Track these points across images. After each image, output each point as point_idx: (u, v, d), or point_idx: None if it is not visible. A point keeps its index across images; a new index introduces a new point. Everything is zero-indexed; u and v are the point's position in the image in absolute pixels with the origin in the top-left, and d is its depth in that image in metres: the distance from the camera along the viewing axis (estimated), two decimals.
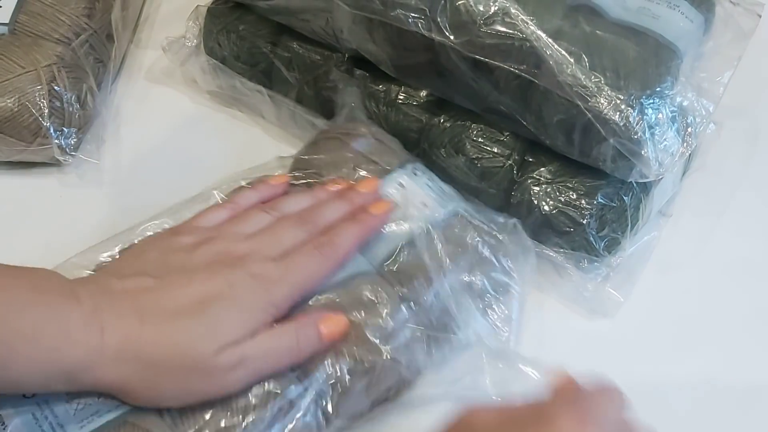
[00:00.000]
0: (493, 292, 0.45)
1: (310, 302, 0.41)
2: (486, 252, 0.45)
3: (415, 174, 0.48)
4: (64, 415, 0.38)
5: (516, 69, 0.44)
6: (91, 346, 0.35)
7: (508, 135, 0.49)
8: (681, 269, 0.52)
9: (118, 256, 0.43)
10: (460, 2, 0.44)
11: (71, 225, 0.54)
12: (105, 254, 0.44)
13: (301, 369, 0.39)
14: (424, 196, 0.46)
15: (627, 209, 0.47)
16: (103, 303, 0.36)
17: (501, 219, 0.47)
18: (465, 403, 0.31)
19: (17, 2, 0.57)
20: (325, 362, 0.39)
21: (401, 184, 0.46)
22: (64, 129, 0.55)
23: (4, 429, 0.37)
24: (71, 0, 0.58)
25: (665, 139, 0.44)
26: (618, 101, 0.43)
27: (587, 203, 0.47)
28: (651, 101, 0.43)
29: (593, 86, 0.43)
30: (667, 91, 0.44)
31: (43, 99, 0.53)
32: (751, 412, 0.47)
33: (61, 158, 0.55)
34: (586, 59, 0.43)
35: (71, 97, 0.55)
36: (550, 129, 0.46)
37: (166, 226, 0.45)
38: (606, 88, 0.43)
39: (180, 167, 0.57)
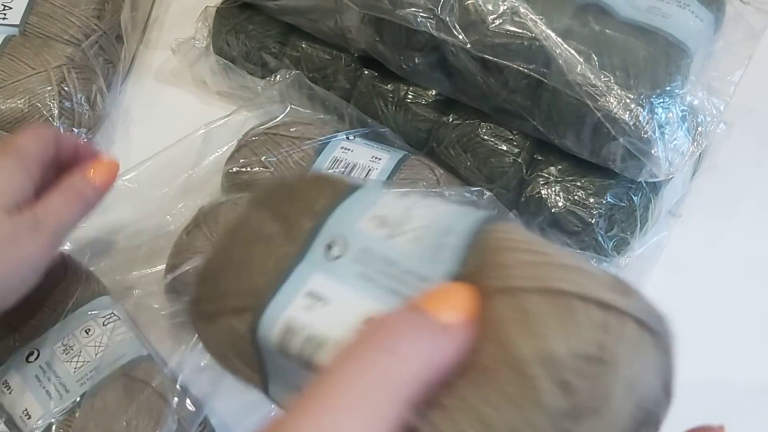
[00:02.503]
0: None
1: None
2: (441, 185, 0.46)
3: (350, 138, 0.50)
4: (65, 375, 0.40)
5: (525, 68, 0.44)
6: None
7: (517, 134, 0.49)
8: (690, 270, 0.52)
9: None
10: (469, 1, 0.44)
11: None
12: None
13: None
14: (373, 151, 0.48)
15: (636, 209, 0.47)
16: None
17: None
18: None
19: (27, 4, 0.58)
20: None
21: (345, 148, 0.49)
22: (74, 130, 0.55)
23: (10, 392, 0.39)
24: (81, 1, 0.59)
25: (675, 139, 0.44)
26: (628, 100, 0.43)
27: (596, 202, 0.47)
28: (661, 100, 0.43)
29: (603, 85, 0.43)
30: (677, 91, 0.44)
31: (53, 100, 0.54)
32: (763, 413, 0.46)
33: None
34: (595, 58, 0.43)
35: (81, 98, 0.55)
36: (560, 128, 0.46)
37: None
38: (616, 87, 0.43)
39: None
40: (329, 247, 0.26)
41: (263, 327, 0.25)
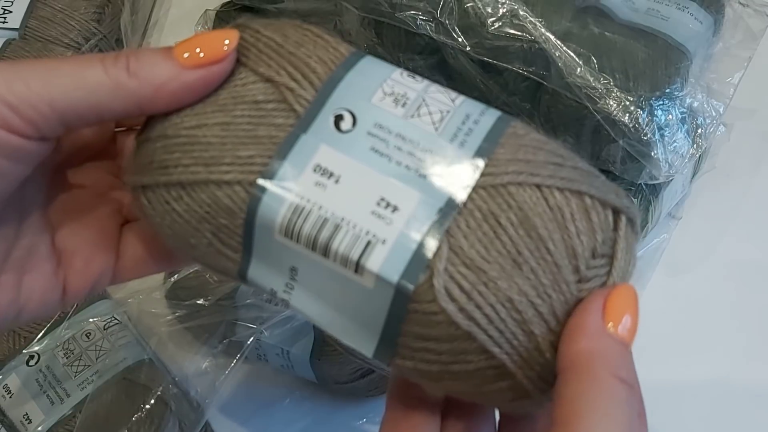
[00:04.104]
0: None
1: None
2: None
3: None
4: (66, 378, 0.40)
5: (525, 71, 0.44)
6: None
7: None
8: (691, 271, 0.52)
9: None
10: (468, 4, 0.44)
11: None
12: None
13: None
14: None
15: None
16: None
17: None
18: None
19: (27, 7, 0.58)
20: None
21: None
22: None
23: (10, 396, 0.39)
24: (81, 5, 0.59)
25: (675, 141, 0.44)
26: (627, 102, 0.43)
27: None
28: (660, 102, 0.43)
29: (602, 88, 0.43)
30: (676, 93, 0.44)
31: None
32: (762, 415, 0.46)
33: None
34: (595, 61, 0.43)
35: None
36: (559, 130, 0.46)
37: None
38: (615, 89, 0.43)
39: None
40: (338, 119, 0.24)
41: (266, 204, 0.23)
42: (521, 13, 0.44)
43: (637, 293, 0.23)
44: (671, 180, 0.47)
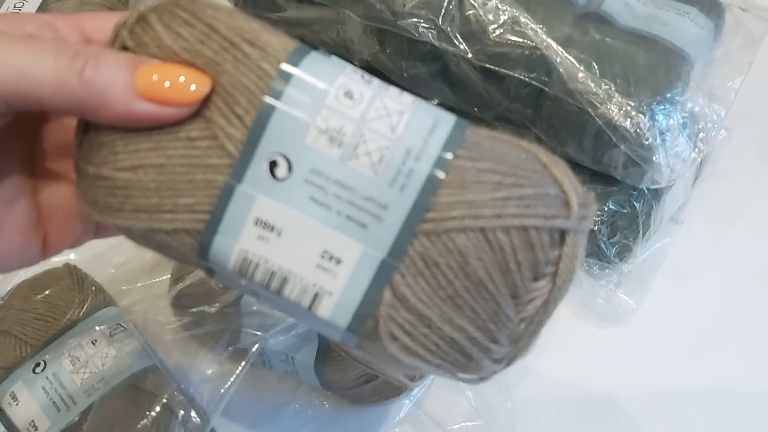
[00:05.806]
0: None
1: None
2: None
3: None
4: (72, 386, 0.40)
5: (526, 77, 0.44)
6: None
7: None
8: (693, 276, 0.52)
9: None
10: (470, 12, 0.45)
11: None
12: None
13: None
14: None
15: (638, 216, 0.47)
16: None
17: None
18: None
19: (38, 8, 0.58)
20: None
21: None
22: None
23: (17, 404, 0.39)
24: (92, 7, 0.59)
25: (676, 145, 0.44)
26: (629, 108, 0.43)
27: (598, 209, 0.47)
28: (662, 107, 0.43)
29: (603, 93, 0.43)
30: (677, 97, 0.44)
31: None
32: (766, 419, 0.46)
33: None
34: (596, 66, 0.43)
35: None
36: (561, 136, 0.46)
37: None
38: (616, 94, 0.43)
39: None
40: (272, 165, 0.23)
41: (214, 253, 0.23)
42: (522, 19, 0.44)
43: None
44: (673, 184, 0.48)
